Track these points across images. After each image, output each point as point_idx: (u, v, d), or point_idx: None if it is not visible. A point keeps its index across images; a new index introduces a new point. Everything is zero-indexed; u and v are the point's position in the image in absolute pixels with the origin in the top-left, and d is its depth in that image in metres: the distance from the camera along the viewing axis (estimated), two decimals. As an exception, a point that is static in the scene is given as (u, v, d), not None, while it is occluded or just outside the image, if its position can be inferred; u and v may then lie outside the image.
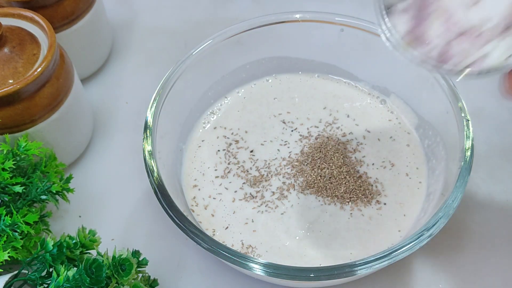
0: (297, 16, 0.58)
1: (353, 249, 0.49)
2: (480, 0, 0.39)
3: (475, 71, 0.40)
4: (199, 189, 0.54)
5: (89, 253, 0.47)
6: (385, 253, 0.43)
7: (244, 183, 0.54)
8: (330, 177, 0.52)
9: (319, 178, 0.52)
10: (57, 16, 0.59)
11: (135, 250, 0.47)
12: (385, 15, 0.42)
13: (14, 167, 0.49)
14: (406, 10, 0.42)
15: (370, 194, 0.52)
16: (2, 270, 0.46)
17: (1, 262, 0.44)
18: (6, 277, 0.44)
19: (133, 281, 0.45)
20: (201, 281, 0.52)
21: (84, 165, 0.60)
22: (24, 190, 0.49)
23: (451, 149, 0.50)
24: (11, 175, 0.48)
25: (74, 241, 0.46)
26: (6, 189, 0.48)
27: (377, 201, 0.52)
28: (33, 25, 0.54)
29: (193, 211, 0.52)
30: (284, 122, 0.58)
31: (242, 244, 0.50)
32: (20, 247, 0.47)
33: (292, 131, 0.57)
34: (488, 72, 0.39)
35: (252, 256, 0.48)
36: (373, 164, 0.54)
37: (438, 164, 0.52)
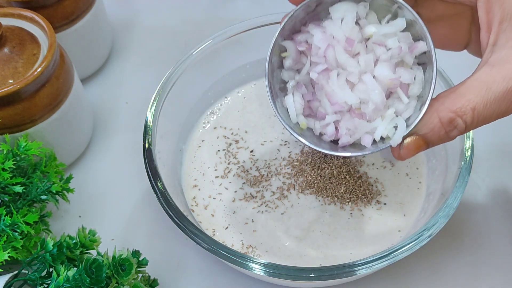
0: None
1: (353, 249, 0.49)
2: (355, 84, 0.41)
3: (365, 149, 0.41)
4: (199, 189, 0.54)
5: (89, 253, 0.47)
6: (385, 253, 0.43)
7: (244, 183, 0.54)
8: (330, 177, 0.52)
9: (319, 178, 0.52)
10: (57, 16, 0.59)
11: (135, 250, 0.47)
12: (277, 97, 0.43)
13: (14, 167, 0.49)
14: (298, 87, 0.43)
15: (370, 194, 0.52)
16: (2, 270, 0.46)
17: (1, 262, 0.44)
18: (6, 277, 0.44)
19: (133, 281, 0.45)
20: (201, 281, 0.52)
21: (84, 165, 0.60)
22: (24, 190, 0.49)
23: (451, 149, 0.50)
24: (11, 175, 0.48)
25: (74, 241, 0.46)
26: (6, 189, 0.48)
27: (377, 201, 0.52)
28: (33, 25, 0.54)
29: (193, 211, 0.52)
30: (284, 122, 0.58)
31: (242, 244, 0.50)
32: (20, 247, 0.47)
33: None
34: (376, 149, 0.41)
35: (252, 256, 0.48)
36: (373, 164, 0.54)
37: (438, 164, 0.52)
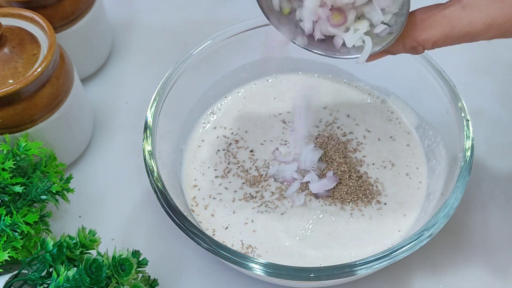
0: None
1: (353, 249, 0.49)
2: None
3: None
4: (199, 189, 0.54)
5: (89, 253, 0.47)
6: (385, 253, 0.43)
7: (243, 183, 0.54)
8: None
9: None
10: (57, 16, 0.59)
11: (135, 250, 0.47)
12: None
13: (14, 167, 0.49)
14: None
15: (370, 194, 0.52)
16: (2, 270, 0.46)
17: (1, 262, 0.44)
18: (6, 277, 0.44)
19: (133, 281, 0.45)
20: (201, 281, 0.52)
21: (84, 165, 0.60)
22: (24, 190, 0.49)
23: (451, 149, 0.50)
24: (11, 175, 0.48)
25: (74, 241, 0.46)
26: (6, 189, 0.48)
27: (377, 201, 0.52)
28: (33, 25, 0.54)
29: (193, 211, 0.52)
30: (284, 122, 0.58)
31: (242, 244, 0.50)
32: (20, 247, 0.47)
33: (292, 131, 0.57)
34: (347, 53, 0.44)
35: (252, 256, 0.48)
36: (373, 164, 0.54)
37: (438, 164, 0.52)
